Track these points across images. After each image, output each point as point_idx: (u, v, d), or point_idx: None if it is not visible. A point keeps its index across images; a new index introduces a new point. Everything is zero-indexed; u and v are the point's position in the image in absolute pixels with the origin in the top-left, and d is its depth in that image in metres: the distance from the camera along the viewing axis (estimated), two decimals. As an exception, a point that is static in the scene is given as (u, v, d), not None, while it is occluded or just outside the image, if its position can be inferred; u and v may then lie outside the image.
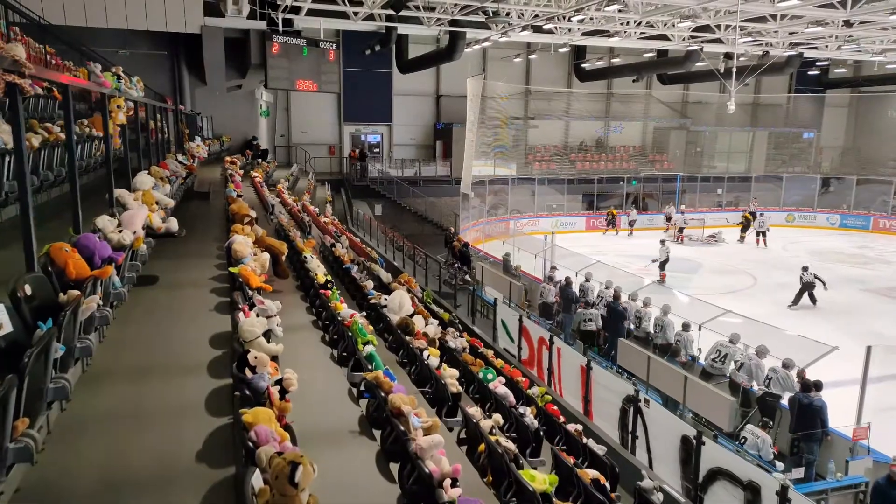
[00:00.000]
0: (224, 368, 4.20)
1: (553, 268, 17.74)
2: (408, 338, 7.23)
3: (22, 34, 14.59)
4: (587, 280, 15.20)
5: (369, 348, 5.03)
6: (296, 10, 23.09)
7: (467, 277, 19.42)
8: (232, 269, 5.43)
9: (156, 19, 21.22)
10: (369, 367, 4.97)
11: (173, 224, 6.10)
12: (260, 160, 25.14)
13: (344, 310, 6.37)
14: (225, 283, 6.46)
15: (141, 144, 9.25)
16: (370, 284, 9.62)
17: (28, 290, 2.85)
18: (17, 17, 14.84)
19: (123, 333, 4.38)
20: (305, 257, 8.56)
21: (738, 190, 34.46)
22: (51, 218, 4.63)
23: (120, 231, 4.50)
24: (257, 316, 4.08)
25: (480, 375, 7.36)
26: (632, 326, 13.81)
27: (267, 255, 6.57)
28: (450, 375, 6.18)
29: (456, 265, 20.35)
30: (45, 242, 4.24)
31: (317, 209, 20.37)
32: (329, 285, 7.32)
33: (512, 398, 6.94)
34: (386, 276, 11.85)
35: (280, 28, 23.41)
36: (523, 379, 8.55)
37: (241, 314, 4.27)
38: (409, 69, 29.18)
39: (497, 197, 31.90)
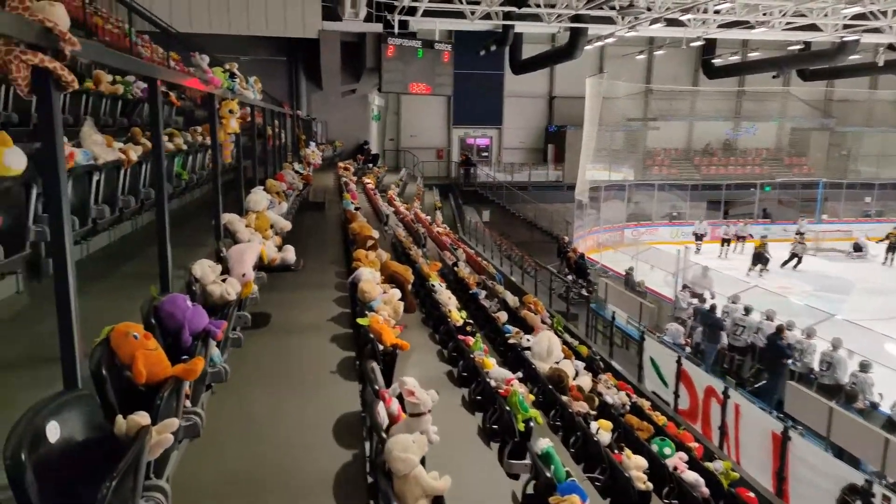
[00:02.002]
0: (357, 489, 2.87)
1: (700, 296, 15.37)
2: (564, 398, 5.71)
3: (150, 41, 14.46)
4: (746, 312, 12.94)
5: (545, 443, 3.55)
6: (412, 11, 22.16)
7: (584, 292, 17.61)
8: (360, 321, 4.14)
9: (275, 24, 20.97)
10: (545, 470, 3.49)
11: (290, 255, 4.92)
12: (371, 165, 24.47)
13: (494, 369, 4.94)
14: (347, 326, 5.21)
15: (257, 153, 8.34)
16: (503, 316, 8.17)
17: (55, 432, 1.60)
18: (147, 25, 14.76)
19: (219, 420, 3.16)
20: (433, 286, 7.25)
21: (889, 198, 30.14)
22: (137, 254, 3.49)
23: (224, 279, 3.31)
24: (408, 427, 2.71)
25: (655, 448, 5.71)
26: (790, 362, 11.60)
27: (397, 293, 5.26)
28: (635, 466, 4.59)
29: (571, 277, 18.63)
30: (120, 299, 3.08)
31: (428, 217, 19.27)
32: (469, 328, 5.93)
33: (704, 487, 5.25)
34: (512, 300, 10.36)
35: (396, 30, 22.59)
36: (696, 445, 6.80)
37: (380, 407, 2.93)
38: (522, 69, 27.59)
39: (613, 204, 29.61)
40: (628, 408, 6.91)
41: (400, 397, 3.18)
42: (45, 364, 2.85)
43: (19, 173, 2.94)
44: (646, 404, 7.80)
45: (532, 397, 4.81)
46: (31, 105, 4.63)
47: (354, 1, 20.20)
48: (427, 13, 22.19)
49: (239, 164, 5.89)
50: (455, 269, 10.28)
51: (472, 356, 5.35)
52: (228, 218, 4.40)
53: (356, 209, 9.54)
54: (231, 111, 4.31)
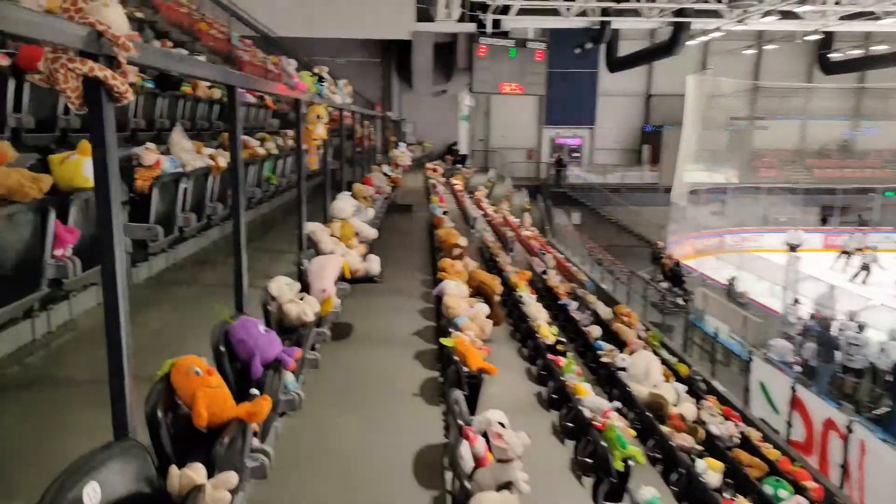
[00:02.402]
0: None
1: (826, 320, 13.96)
2: (665, 428, 5.18)
3: (252, 45, 14.91)
4: (860, 330, 11.67)
5: (650, 493, 3.10)
6: (506, 10, 21.76)
7: (680, 301, 16.56)
8: (444, 342, 3.85)
9: (370, 27, 21.22)
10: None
11: (374, 265, 4.71)
12: (459, 166, 24.30)
13: (589, 396, 4.51)
14: (432, 341, 4.94)
15: (345, 155, 8.28)
16: (595, 331, 7.66)
17: (94, 496, 1.39)
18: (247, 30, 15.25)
19: (289, 450, 2.92)
20: (521, 297, 6.87)
21: None
22: (223, 261, 3.33)
23: (302, 297, 3.11)
24: (495, 475, 2.38)
25: (769, 490, 5.07)
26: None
27: (484, 309, 4.94)
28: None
29: (666, 285, 17.60)
30: (200, 311, 2.92)
31: (516, 220, 18.82)
32: (560, 346, 5.51)
33: (828, 543, 4.58)
34: (605, 312, 9.77)
35: (488, 30, 22.29)
36: (814, 485, 6.04)
37: (464, 449, 2.62)
38: (619, 67, 26.52)
39: (713, 207, 27.89)
40: (737, 440, 6.24)
41: (486, 434, 2.85)
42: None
43: (101, 184, 2.85)
44: (755, 435, 7.05)
45: (632, 432, 4.35)
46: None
47: (448, 1, 20.05)
48: (521, 11, 21.71)
49: (325, 167, 5.74)
50: (544, 276, 9.83)
51: (563, 378, 4.94)
52: (312, 228, 4.23)
53: (444, 213, 9.30)
54: (318, 116, 4.14)
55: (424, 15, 21.42)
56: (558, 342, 5.72)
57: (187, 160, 4.02)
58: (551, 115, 31.36)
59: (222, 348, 2.32)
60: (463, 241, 6.79)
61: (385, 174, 9.55)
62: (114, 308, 1.62)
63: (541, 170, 31.63)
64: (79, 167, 2.69)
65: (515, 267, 10.74)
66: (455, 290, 4.76)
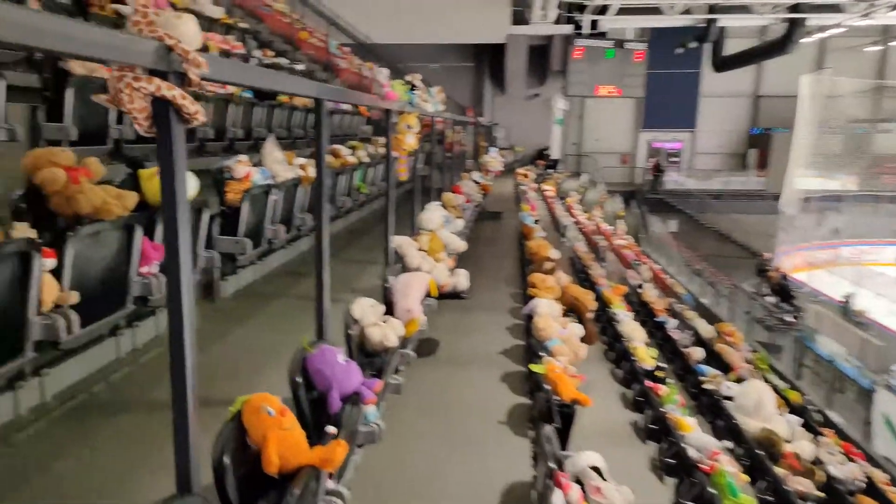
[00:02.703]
0: None
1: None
2: (779, 470, 4.64)
3: (349, 53, 15.20)
4: None
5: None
6: (604, 10, 21.08)
7: (789, 319, 15.27)
8: (534, 368, 3.58)
9: (465, 32, 21.17)
10: None
11: (462, 281, 4.50)
12: (551, 171, 23.77)
13: (694, 434, 4.08)
14: (520, 362, 4.67)
15: (436, 161, 8.15)
16: (697, 353, 7.09)
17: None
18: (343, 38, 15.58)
19: (366, 485, 2.74)
20: (616, 315, 6.45)
21: None
22: (311, 272, 3.23)
23: (386, 319, 2.94)
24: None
25: (903, 553, 4.41)
26: None
27: (578, 330, 4.61)
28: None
29: (773, 301, 16.30)
30: (286, 326, 2.82)
31: (609, 227, 18.12)
32: (660, 373, 5.09)
33: None
34: (707, 330, 9.08)
35: (585, 31, 21.67)
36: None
37: (556, 498, 2.35)
38: (725, 67, 25.01)
39: (828, 216, 25.74)
40: (861, 484, 5.53)
41: (580, 480, 2.57)
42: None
43: (190, 199, 2.81)
44: (880, 477, 6.25)
45: (745, 478, 3.88)
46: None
47: (544, 3, 19.63)
48: (621, 11, 20.96)
49: (415, 174, 5.60)
50: (639, 290, 9.28)
51: (663, 410, 4.52)
52: (398, 242, 4.08)
53: (535, 222, 8.99)
54: (409, 126, 3.99)
55: (520, 18, 21.12)
56: (658, 368, 5.29)
57: (278, 171, 3.98)
58: (649, 117, 30.11)
59: (299, 378, 2.17)
60: (555, 254, 6.47)
61: (475, 181, 9.36)
62: (179, 361, 1.48)
63: (636, 175, 30.44)
64: (168, 182, 2.66)
65: (609, 279, 10.24)
66: (546, 310, 4.47)
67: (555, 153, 27.03)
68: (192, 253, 2.90)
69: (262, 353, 3.31)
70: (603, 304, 7.21)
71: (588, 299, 6.24)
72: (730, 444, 4.51)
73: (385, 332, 2.79)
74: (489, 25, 21.01)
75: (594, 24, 22.37)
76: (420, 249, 4.35)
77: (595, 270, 8.64)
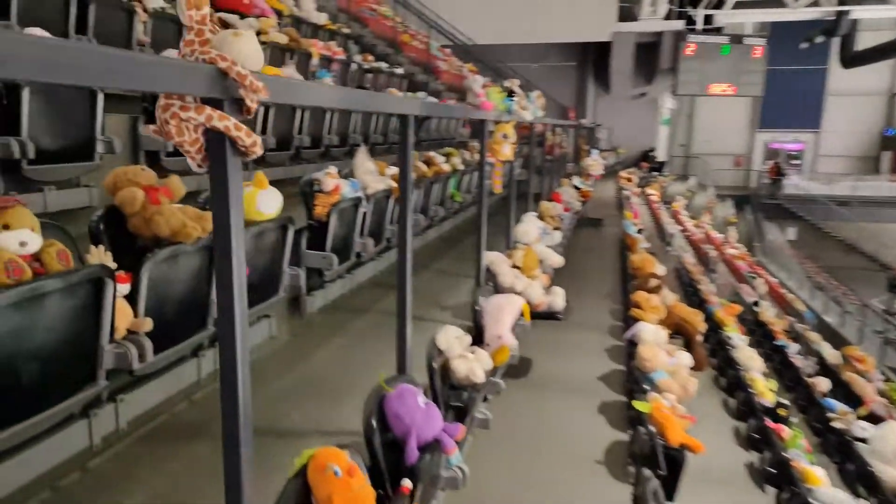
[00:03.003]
0: None
1: None
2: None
3: (450, 55, 15.15)
4: None
5: None
6: (720, 3, 19.79)
7: (927, 342, 13.56)
8: (638, 406, 3.22)
9: (568, 30, 20.57)
10: None
11: (558, 300, 4.19)
12: (656, 174, 22.63)
13: (824, 489, 3.54)
14: (620, 390, 4.28)
15: (534, 164, 7.83)
16: (823, 384, 6.33)
17: None
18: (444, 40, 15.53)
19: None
20: (730, 339, 5.85)
21: None
22: (394, 286, 3.03)
23: (473, 350, 2.71)
24: None
25: None
26: None
27: (687, 360, 4.16)
28: None
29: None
30: (370, 344, 2.65)
31: (720, 235, 16.92)
32: (782, 411, 4.52)
33: None
34: (833, 356, 8.15)
35: (698, 26, 20.43)
36: None
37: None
38: (856, 63, 22.75)
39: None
40: None
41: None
42: (270, 439, 2.55)
43: (274, 216, 2.71)
44: None
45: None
46: (291, 127, 4.66)
47: (654, -1, 18.75)
48: (738, 5, 19.60)
49: (510, 181, 5.31)
50: (755, 308, 8.48)
51: (786, 455, 3.98)
52: (491, 258, 3.83)
53: (638, 231, 8.44)
54: (505, 136, 3.74)
55: (627, 14, 20.24)
56: (780, 405, 4.70)
57: (369, 183, 3.85)
58: (766, 117, 28.04)
59: (374, 422, 1.98)
60: (661, 270, 5.97)
61: (575, 187, 8.93)
62: (232, 390, 1.31)
63: (750, 178, 28.44)
64: (252, 200, 2.55)
65: (720, 295, 9.48)
66: (651, 336, 4.06)
67: (661, 155, 25.75)
68: (278, 270, 2.81)
69: (345, 374, 3.17)
70: (714, 324, 6.61)
71: (697, 321, 5.71)
72: (867, 505, 3.90)
73: (471, 366, 2.56)
74: (594, 23, 20.28)
75: (708, 19, 21.05)
76: (514, 266, 4.08)
77: (704, 285, 7.98)
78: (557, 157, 10.39)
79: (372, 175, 3.86)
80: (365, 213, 3.73)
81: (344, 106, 2.50)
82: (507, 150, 3.78)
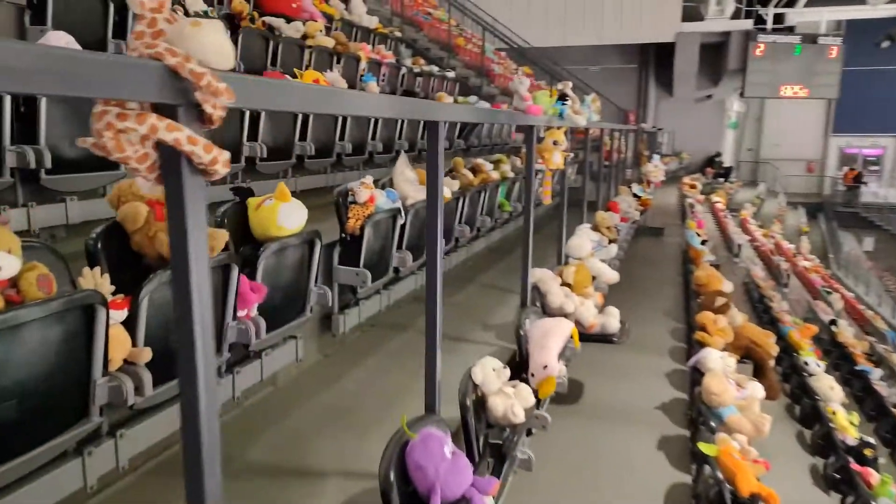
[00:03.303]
0: None
1: None
2: None
3: (505, 57, 14.84)
4: None
5: None
6: (791, 1, 18.77)
7: None
8: (704, 449, 2.83)
9: (629, 32, 19.92)
10: None
11: (612, 321, 3.82)
12: (722, 180, 21.59)
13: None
14: (682, 422, 3.87)
15: (590, 170, 7.43)
16: (913, 416, 5.68)
17: None
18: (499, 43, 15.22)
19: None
20: (806, 364, 5.31)
21: None
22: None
23: (515, 384, 2.40)
24: None
25: None
26: None
27: (758, 390, 3.71)
28: None
29: None
30: (403, 365, 2.43)
31: (791, 245, 15.92)
32: (868, 451, 4.00)
33: None
34: (921, 382, 7.39)
35: (769, 26, 19.44)
36: None
37: None
38: (944, 62, 21.18)
39: None
40: None
41: None
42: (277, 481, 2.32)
43: (298, 231, 2.49)
44: None
45: None
46: (332, 132, 4.45)
47: (720, -3, 17.94)
48: (812, 2, 18.54)
49: (563, 189, 4.95)
50: (833, 328, 7.79)
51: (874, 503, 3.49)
52: (539, 276, 3.51)
53: (703, 243, 7.89)
54: (556, 142, 3.41)
55: (692, 14, 19.42)
56: (864, 443, 4.17)
57: (408, 193, 3.60)
58: (841, 120, 26.40)
59: (392, 475, 1.71)
60: (728, 287, 5.49)
61: (634, 195, 8.46)
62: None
63: (823, 184, 26.86)
64: (273, 214, 2.34)
65: (792, 312, 8.81)
66: (719, 364, 3.64)
67: (727, 160, 24.62)
68: (304, 289, 2.58)
69: (377, 402, 2.92)
70: (787, 346, 6.05)
71: (769, 344, 5.20)
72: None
73: (510, 404, 2.26)
74: (657, 24, 19.55)
75: (779, 17, 20.01)
76: (564, 284, 3.75)
77: (776, 302, 7.38)
78: (615, 163, 9.91)
79: (412, 184, 3.61)
80: (404, 226, 3.48)
81: (335, 111, 2.28)
82: (557, 158, 3.46)
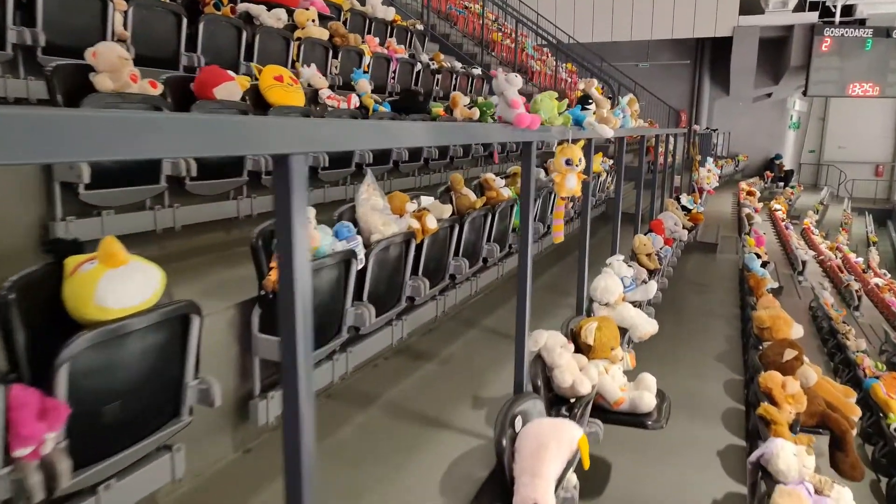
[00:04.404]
0: None
1: None
2: None
3: (547, 53, 13.74)
4: None
5: None
6: (863, -8, 17.00)
7: None
8: None
9: (683, 26, 18.45)
10: None
11: (647, 396, 2.81)
12: (783, 184, 19.88)
13: None
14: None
15: (630, 177, 6.37)
16: None
17: None
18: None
19: None
20: (899, 435, 4.15)
21: None
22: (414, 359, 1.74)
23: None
24: None
25: None
26: None
27: (846, 496, 2.65)
28: None
29: None
30: None
31: (859, 259, 14.27)
32: None
33: None
34: None
35: (836, 19, 17.69)
36: None
37: None
38: None
39: None
40: None
41: None
42: None
43: (142, 308, 1.60)
44: None
45: None
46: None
47: (784, -13, 16.35)
48: (887, -9, 16.74)
49: (584, 215, 3.90)
50: (920, 370, 6.47)
51: None
52: (542, 341, 2.52)
53: (764, 265, 6.70)
54: (569, 162, 2.43)
55: (751, 6, 17.82)
56: None
57: (376, 225, 2.68)
58: (916, 120, 24.14)
59: None
60: (798, 332, 4.35)
61: (684, 208, 7.31)
62: None
63: (893, 190, 24.66)
64: (89, 287, 1.46)
65: (864, 339, 7.53)
66: (792, 467, 2.60)
67: (788, 163, 22.79)
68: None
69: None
70: (870, 401, 4.87)
71: (850, 408, 4.08)
72: None
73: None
74: (712, 18, 18.03)
75: (847, 9, 18.19)
76: (579, 349, 2.76)
77: (851, 339, 6.14)
78: (663, 168, 8.73)
79: (380, 214, 2.69)
80: (364, 270, 2.57)
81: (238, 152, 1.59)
82: (572, 184, 2.47)
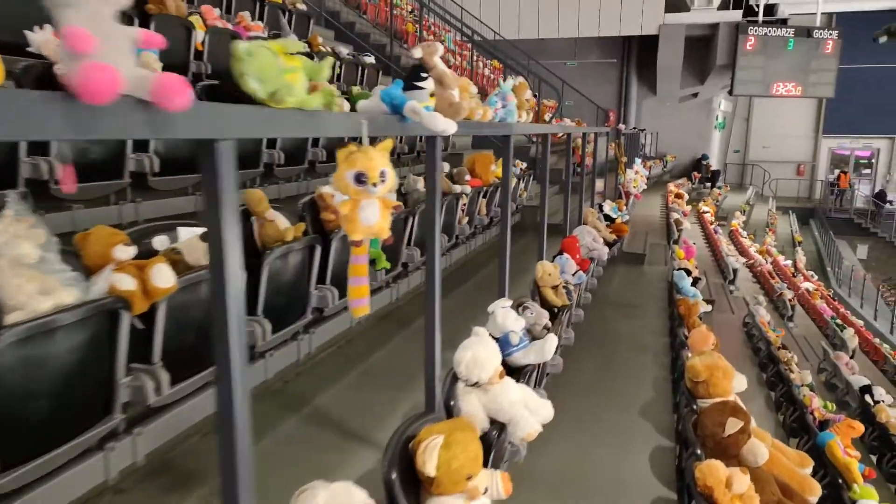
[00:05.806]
0: None
1: None
2: None
3: (469, 50, 12.67)
4: None
5: None
6: (786, -10, 16.79)
7: None
8: None
9: (609, 24, 17.83)
10: None
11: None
12: (710, 185, 19.59)
13: None
14: None
15: (551, 179, 5.34)
16: None
17: None
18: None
19: None
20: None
21: None
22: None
23: None
24: None
25: None
26: None
27: None
28: None
29: None
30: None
31: (787, 261, 13.90)
32: None
33: None
34: None
35: (760, 18, 17.45)
36: None
37: None
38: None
39: None
40: None
41: None
42: None
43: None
44: None
45: None
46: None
47: (709, -17, 15.91)
48: (809, -10, 16.59)
49: (504, 232, 2.80)
50: (867, 399, 5.68)
51: None
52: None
53: (695, 282, 5.78)
54: (361, 179, 1.32)
55: (676, 5, 17.37)
56: None
57: (17, 295, 1.44)
58: (834, 121, 24.49)
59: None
60: (741, 384, 3.37)
61: (607, 217, 6.33)
62: None
63: (814, 189, 25.02)
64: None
65: (797, 351, 6.80)
66: None
67: (714, 163, 22.65)
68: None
69: None
70: (824, 461, 3.95)
71: (806, 485, 3.13)
72: None
73: None
74: (638, 16, 17.49)
75: (770, 9, 18.04)
76: (417, 480, 1.62)
77: (795, 371, 5.28)
78: (588, 175, 7.78)
79: (37, 271, 1.46)
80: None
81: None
82: (370, 216, 1.32)
